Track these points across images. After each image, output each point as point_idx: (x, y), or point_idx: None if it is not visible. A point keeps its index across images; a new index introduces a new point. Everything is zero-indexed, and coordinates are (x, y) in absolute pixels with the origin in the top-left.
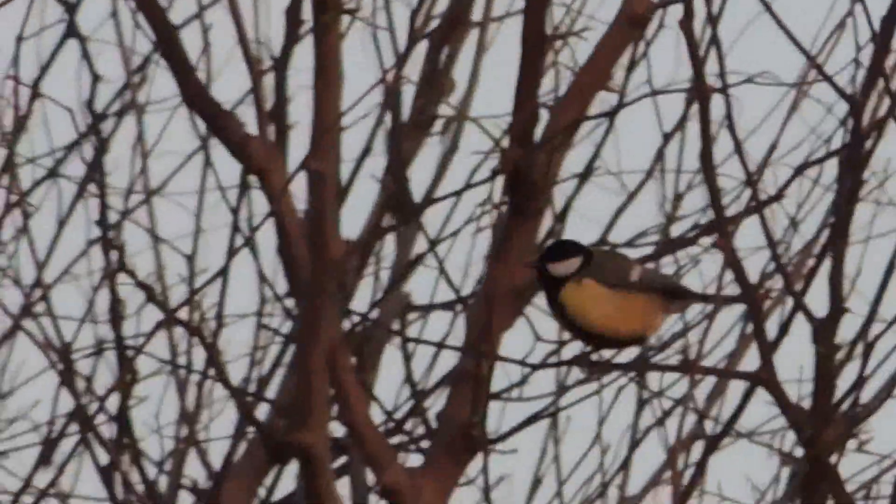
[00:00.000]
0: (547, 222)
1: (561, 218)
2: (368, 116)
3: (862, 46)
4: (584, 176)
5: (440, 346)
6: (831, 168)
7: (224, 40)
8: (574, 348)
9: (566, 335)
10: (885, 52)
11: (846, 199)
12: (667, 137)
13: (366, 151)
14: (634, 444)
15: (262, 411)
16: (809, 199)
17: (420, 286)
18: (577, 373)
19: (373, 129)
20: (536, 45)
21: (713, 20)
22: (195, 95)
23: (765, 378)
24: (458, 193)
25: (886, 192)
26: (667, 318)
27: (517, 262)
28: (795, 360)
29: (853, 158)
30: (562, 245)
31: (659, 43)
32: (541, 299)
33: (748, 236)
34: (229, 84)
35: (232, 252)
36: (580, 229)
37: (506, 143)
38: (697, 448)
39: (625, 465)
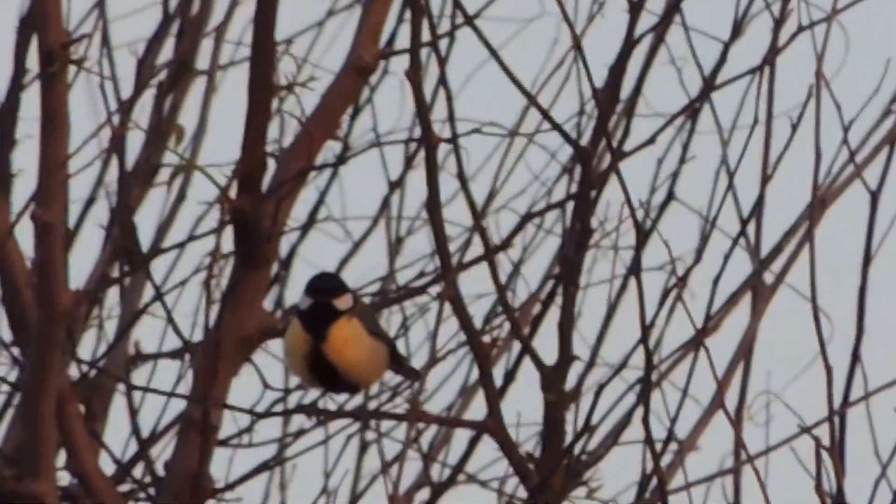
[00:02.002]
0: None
1: (286, 265)
2: (94, 165)
3: (587, 101)
4: (309, 224)
5: (168, 394)
6: (553, 214)
7: None
8: (300, 396)
9: (294, 382)
10: (613, 102)
11: (576, 248)
12: (392, 186)
13: (91, 200)
14: (357, 495)
15: None
16: (532, 245)
17: (148, 335)
18: (303, 420)
19: (99, 177)
20: (263, 93)
21: (441, 73)
22: None
23: (491, 427)
24: (185, 243)
25: (608, 238)
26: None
27: (246, 310)
28: (523, 402)
29: (583, 207)
30: (336, 279)
31: (382, 88)
32: (271, 346)
33: (471, 282)
34: None
35: None
36: (305, 278)
37: (233, 192)
38: (424, 494)
39: None
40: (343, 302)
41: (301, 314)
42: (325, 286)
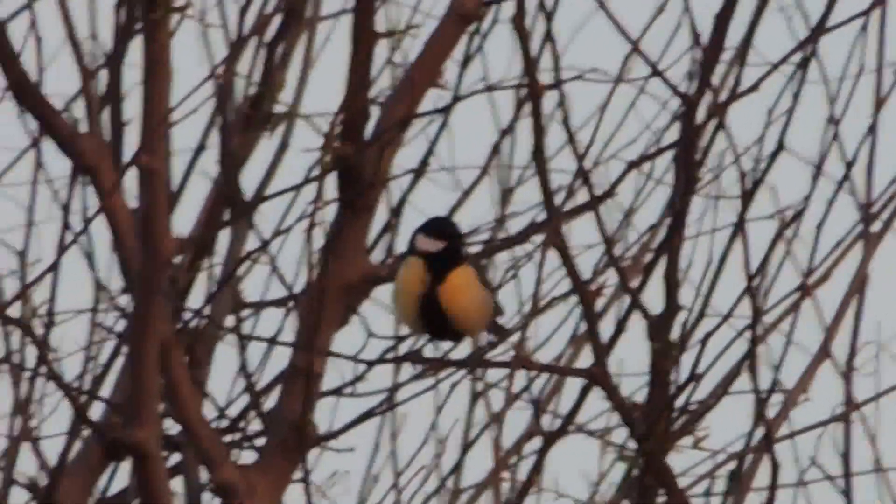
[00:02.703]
0: (382, 217)
1: (396, 213)
2: (199, 112)
3: (692, 46)
4: (419, 172)
5: (273, 342)
6: (664, 161)
7: (54, 33)
8: (408, 344)
9: (402, 329)
10: (718, 49)
11: (681, 197)
12: (502, 133)
13: (199, 148)
14: (468, 444)
15: (96, 409)
16: (643, 193)
17: (252, 283)
18: (410, 369)
19: (206, 126)
20: (365, 41)
21: (547, 16)
22: (23, 91)
23: (598, 375)
24: (289, 190)
25: (720, 186)
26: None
27: (349, 257)
28: (632, 353)
29: (686, 155)
30: (458, 225)
31: (493, 37)
32: (378, 294)
33: (582, 231)
34: (63, 77)
35: (63, 248)
36: (416, 225)
37: (337, 140)
38: (534, 443)
39: (458, 465)
40: (465, 248)
41: (427, 255)
42: (457, 231)
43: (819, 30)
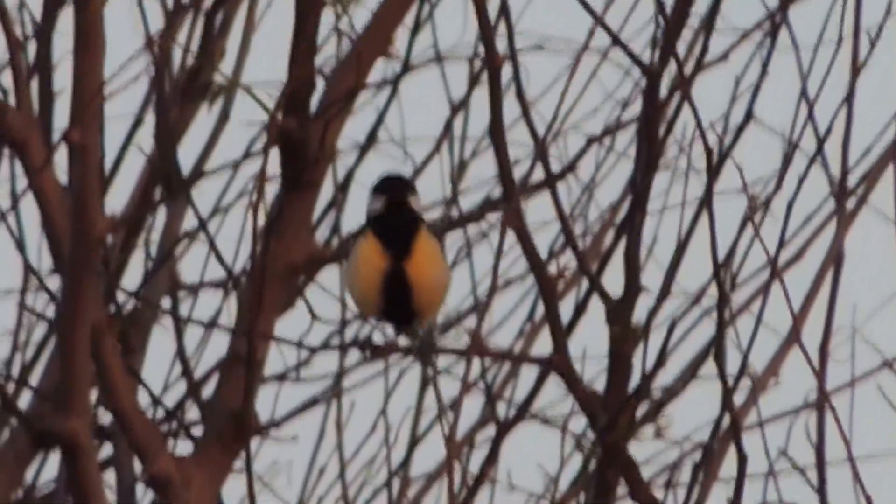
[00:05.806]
0: (328, 194)
1: (343, 189)
2: (134, 85)
3: (655, 14)
4: (367, 146)
5: (211, 326)
6: (629, 134)
7: None
8: (354, 329)
9: (349, 313)
10: (683, 17)
11: (642, 175)
12: (454, 109)
13: (134, 123)
14: (415, 440)
15: (25, 397)
16: (606, 168)
17: (190, 263)
18: (357, 354)
19: (141, 99)
20: (310, 8)
21: None
22: None
23: (557, 363)
24: (229, 166)
25: (687, 159)
26: None
27: (293, 237)
28: (596, 338)
29: (648, 131)
30: (407, 179)
31: (446, 4)
32: (323, 276)
33: (542, 207)
34: None
35: None
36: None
37: (280, 112)
38: (488, 432)
39: (408, 455)
40: (415, 203)
41: (377, 224)
42: (401, 185)
43: None
